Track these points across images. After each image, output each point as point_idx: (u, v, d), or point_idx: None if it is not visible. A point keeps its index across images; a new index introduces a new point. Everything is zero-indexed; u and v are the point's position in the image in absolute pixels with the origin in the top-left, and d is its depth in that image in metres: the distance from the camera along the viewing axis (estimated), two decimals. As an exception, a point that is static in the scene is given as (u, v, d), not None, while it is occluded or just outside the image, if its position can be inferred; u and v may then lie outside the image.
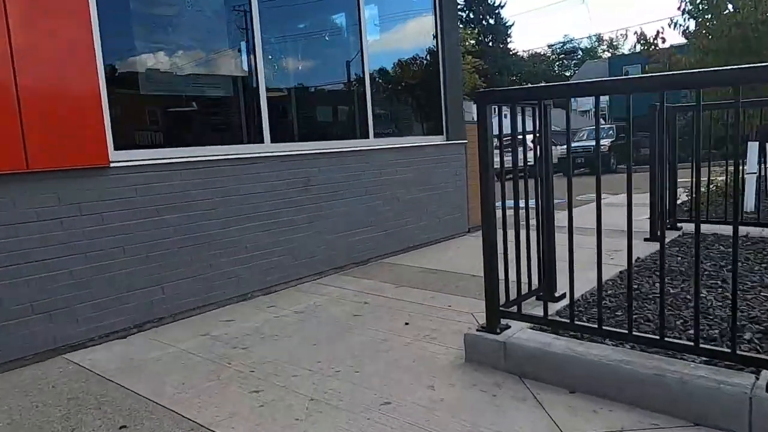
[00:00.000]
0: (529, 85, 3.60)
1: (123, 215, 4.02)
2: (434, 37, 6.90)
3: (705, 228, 5.80)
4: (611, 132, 21.91)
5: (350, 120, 6.38)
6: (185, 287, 4.41)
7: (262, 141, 4.98)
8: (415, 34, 7.00)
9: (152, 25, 4.57)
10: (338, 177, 5.62)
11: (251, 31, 4.94)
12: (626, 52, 54.96)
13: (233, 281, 4.73)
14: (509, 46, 53.50)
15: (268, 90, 5.07)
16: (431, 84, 7.03)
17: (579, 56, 61.24)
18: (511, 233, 3.30)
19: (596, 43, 65.44)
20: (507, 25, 51.74)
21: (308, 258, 5.35)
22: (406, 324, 4.02)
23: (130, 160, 4.07)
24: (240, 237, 4.76)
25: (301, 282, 5.29)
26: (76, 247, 3.80)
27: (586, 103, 51.22)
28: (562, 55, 58.42)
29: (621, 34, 74.67)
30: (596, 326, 2.91)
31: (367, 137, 6.04)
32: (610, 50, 62.47)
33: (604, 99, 39.00)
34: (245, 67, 5.06)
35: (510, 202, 3.33)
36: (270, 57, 5.47)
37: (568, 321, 3.04)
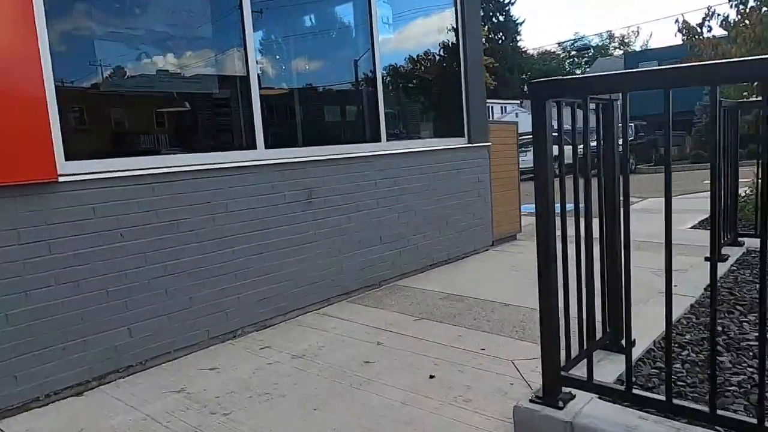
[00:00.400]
0: (613, 72, 2.84)
1: (77, 242, 3.22)
2: (455, 29, 6.07)
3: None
4: (629, 132, 21.00)
5: (359, 121, 5.57)
6: (159, 327, 3.61)
7: (254, 147, 4.17)
8: (433, 25, 6.17)
9: (117, 7, 3.77)
10: (346, 187, 4.81)
11: (241, 18, 4.12)
12: (638, 48, 53.93)
13: (219, 316, 3.92)
14: (519, 44, 52.50)
15: (261, 88, 4.26)
16: (450, 81, 6.20)
17: (590, 54, 60.12)
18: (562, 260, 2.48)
19: (607, 41, 64.33)
20: (517, 22, 50.73)
21: (310, 284, 4.54)
22: (431, 377, 3.19)
23: (86, 173, 3.27)
24: (227, 262, 3.96)
25: (302, 313, 4.48)
26: (14, 284, 3.00)
27: (599, 101, 50.09)
28: (574, 52, 57.22)
29: (632, 31, 73.37)
30: (707, 410, 2.07)
31: (379, 140, 5.22)
32: (622, 47, 61.39)
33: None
34: (234, 62, 4.25)
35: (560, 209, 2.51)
36: (265, 50, 4.67)
37: (663, 399, 2.19)
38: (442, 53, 6.22)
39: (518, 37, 51.94)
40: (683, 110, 22.65)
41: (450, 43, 6.15)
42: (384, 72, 5.35)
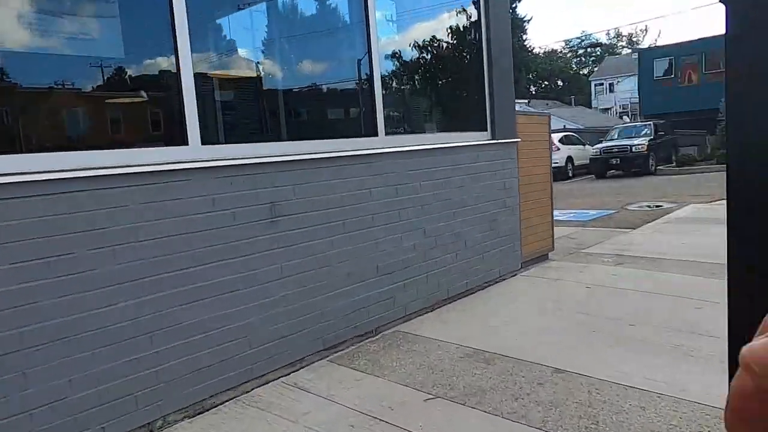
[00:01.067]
0: None
1: None
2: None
3: None
4: (647, 131, 19.74)
5: (349, 110, 4.21)
6: (26, 426, 2.23)
7: (184, 142, 2.80)
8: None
9: None
10: (327, 199, 3.44)
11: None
12: (646, 46, 52.43)
13: (124, 404, 2.55)
14: (525, 42, 51.07)
15: (195, 61, 2.90)
16: (468, 57, 4.83)
17: (598, 52, 58.77)
18: None
19: (615, 39, 62.88)
20: (524, 19, 49.26)
21: (275, 340, 3.16)
22: None
23: None
24: (138, 319, 2.58)
25: (262, 383, 3.10)
26: None
27: (608, 100, 48.66)
28: (582, 51, 55.85)
29: (641, 30, 71.94)
30: None
31: (375, 134, 3.85)
32: (629, 46, 59.99)
33: (635, 96, 36.30)
34: (150, 23, 2.88)
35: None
36: (204, 11, 3.31)
37: None
38: (458, 20, 4.83)
39: (524, 36, 50.47)
40: (706, 108, 21.25)
41: (471, 9, 4.77)
42: (381, 44, 3.98)
